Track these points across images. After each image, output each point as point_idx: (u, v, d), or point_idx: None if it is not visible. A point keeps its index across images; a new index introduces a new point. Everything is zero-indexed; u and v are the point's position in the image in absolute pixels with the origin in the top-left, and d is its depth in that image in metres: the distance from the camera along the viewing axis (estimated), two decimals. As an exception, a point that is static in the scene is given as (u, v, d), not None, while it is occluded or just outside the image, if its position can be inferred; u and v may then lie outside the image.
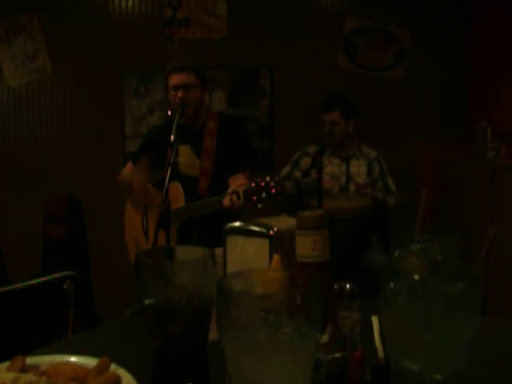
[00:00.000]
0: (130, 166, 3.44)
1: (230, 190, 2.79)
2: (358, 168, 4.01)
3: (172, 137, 2.79)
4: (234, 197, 2.71)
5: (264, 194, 2.54)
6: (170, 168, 2.64)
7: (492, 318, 2.57)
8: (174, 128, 2.81)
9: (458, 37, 4.94)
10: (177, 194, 3.04)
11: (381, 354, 1.08)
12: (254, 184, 2.58)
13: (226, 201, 2.78)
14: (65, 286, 1.85)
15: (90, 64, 5.04)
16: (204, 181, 3.16)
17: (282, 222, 1.15)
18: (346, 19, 4.98)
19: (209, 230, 2.32)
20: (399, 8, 4.94)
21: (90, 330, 1.52)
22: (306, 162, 4.01)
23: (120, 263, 4.01)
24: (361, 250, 3.79)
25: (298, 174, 4.05)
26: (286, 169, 4.09)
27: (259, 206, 2.59)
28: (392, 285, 0.81)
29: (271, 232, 1.12)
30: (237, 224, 1.19)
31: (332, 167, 3.97)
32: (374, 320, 1.22)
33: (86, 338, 1.44)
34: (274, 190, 2.55)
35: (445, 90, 4.95)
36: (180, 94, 3.05)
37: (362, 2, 5.01)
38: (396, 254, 1.07)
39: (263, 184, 2.55)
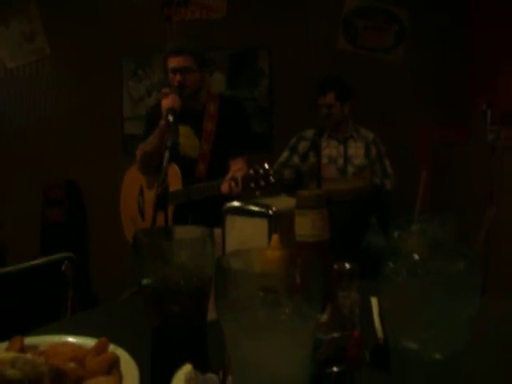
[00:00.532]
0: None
1: (228, 176, 2.78)
2: (356, 150, 4.00)
3: (170, 117, 2.78)
4: (233, 183, 2.70)
5: (262, 182, 2.53)
6: (167, 150, 2.63)
7: (491, 297, 2.58)
8: (171, 112, 2.80)
9: (457, 16, 4.90)
10: (174, 176, 3.03)
11: (380, 334, 1.08)
12: (252, 171, 2.56)
13: (225, 187, 2.78)
14: (63, 268, 1.85)
15: (88, 45, 5.01)
16: (202, 164, 3.15)
17: (281, 202, 1.14)
18: (346, 0, 4.94)
19: (204, 213, 2.31)
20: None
21: (88, 311, 1.52)
22: (303, 146, 4.00)
23: (118, 245, 4.00)
24: (359, 232, 3.79)
25: (296, 159, 4.03)
26: (285, 154, 4.08)
27: (257, 193, 2.58)
28: (391, 264, 0.81)
29: (270, 212, 1.12)
30: (235, 204, 1.19)
31: (330, 150, 3.97)
32: (373, 301, 1.23)
33: (85, 318, 1.44)
34: (272, 179, 2.54)
35: (444, 72, 4.91)
36: (178, 77, 3.04)
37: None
38: (395, 234, 1.07)
39: (262, 171, 2.54)
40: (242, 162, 3.01)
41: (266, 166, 2.55)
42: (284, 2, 4.92)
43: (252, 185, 2.55)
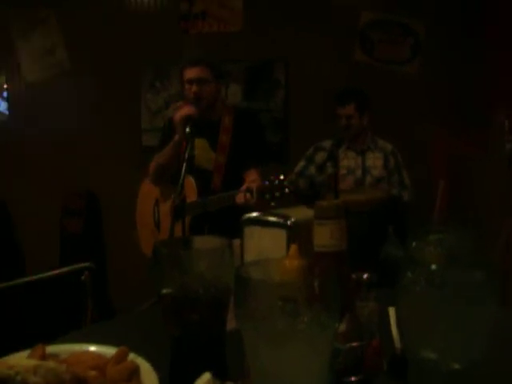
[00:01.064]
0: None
1: (243, 188, 2.78)
2: (374, 161, 3.99)
3: (187, 129, 2.80)
4: (248, 194, 2.70)
5: (277, 193, 2.54)
6: (185, 162, 2.65)
7: (511, 307, 2.56)
8: (188, 122, 2.82)
9: (474, 28, 4.89)
10: (190, 188, 3.04)
11: (398, 344, 1.08)
12: (267, 182, 2.57)
13: (240, 197, 2.78)
14: (83, 277, 1.87)
15: (107, 58, 5.07)
16: (217, 176, 3.16)
17: (299, 213, 1.15)
18: (362, 12, 4.96)
19: (220, 224, 2.32)
20: (415, 0, 4.90)
21: (107, 321, 1.53)
22: (321, 156, 4.00)
23: (135, 257, 4.03)
24: (377, 242, 3.78)
25: (312, 169, 4.03)
26: (301, 164, 4.08)
27: (272, 203, 2.58)
28: (409, 274, 0.81)
29: (289, 222, 1.12)
30: (254, 214, 1.19)
31: (348, 161, 3.96)
32: (391, 311, 1.23)
33: (104, 327, 1.45)
34: (287, 190, 2.54)
35: (460, 84, 4.90)
36: (194, 88, 3.06)
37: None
38: (413, 244, 1.07)
39: (277, 182, 2.55)
40: (255, 173, 3.02)
41: (282, 176, 2.55)
42: (300, 14, 4.94)
43: (267, 196, 2.55)
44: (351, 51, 4.99)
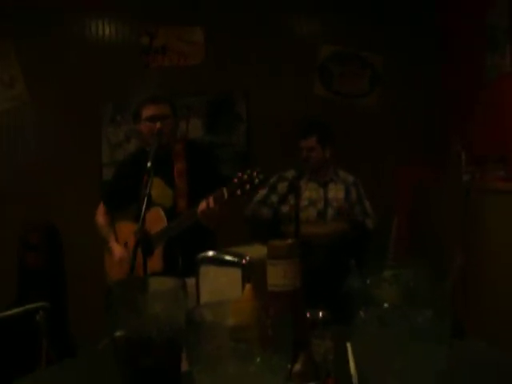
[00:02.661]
0: (102, 211, 3.43)
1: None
2: (336, 192, 4.01)
3: (149, 164, 2.78)
4: (210, 200, 2.70)
5: (247, 186, 2.57)
6: (146, 196, 2.63)
7: (470, 341, 2.59)
8: (150, 156, 2.81)
9: (430, 60, 5.03)
10: (158, 218, 3.02)
11: (355, 381, 1.08)
12: (236, 179, 2.60)
13: (202, 206, 2.74)
14: (37, 317, 1.83)
15: (67, 91, 5.04)
16: (182, 200, 3.13)
17: (255, 251, 1.15)
18: (322, 47, 5.05)
19: (193, 255, 2.31)
20: (372, 34, 5.02)
21: (63, 362, 1.50)
22: (283, 186, 4.00)
23: (98, 291, 3.96)
24: (339, 275, 3.78)
25: (274, 198, 4.04)
26: (262, 192, 4.07)
27: (244, 198, 2.63)
28: (362, 313, 0.82)
29: (243, 261, 1.12)
30: (209, 253, 1.19)
31: (310, 192, 3.97)
32: (349, 347, 1.23)
33: (59, 369, 1.42)
34: (256, 181, 2.57)
35: (419, 115, 5.02)
36: (159, 125, 3.05)
37: (336, 29, 5.08)
38: (368, 281, 1.08)
39: (246, 176, 2.58)
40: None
41: (249, 171, 2.59)
42: (261, 48, 5.01)
43: (238, 192, 2.57)
44: (311, 84, 5.06)
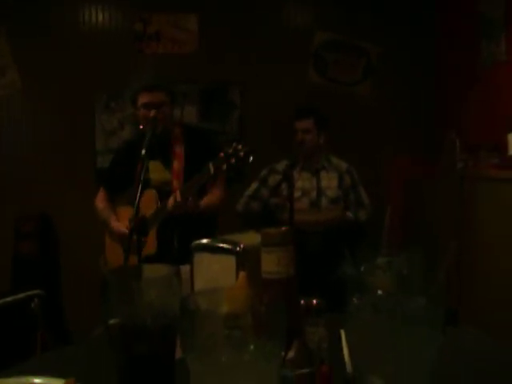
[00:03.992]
0: (102, 196, 3.43)
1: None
2: (329, 181, 3.99)
3: (143, 151, 2.79)
4: (177, 193, 2.81)
5: (233, 160, 2.59)
6: (140, 184, 2.63)
7: (464, 327, 2.60)
8: (144, 144, 2.82)
9: (424, 50, 5.03)
10: (152, 199, 3.04)
11: (349, 368, 1.09)
12: (222, 154, 2.64)
13: (170, 201, 2.84)
14: (32, 305, 1.83)
15: (60, 79, 5.01)
16: (177, 182, 3.14)
17: (249, 239, 1.15)
18: (316, 33, 5.04)
19: (188, 236, 2.33)
20: (367, 22, 5.02)
21: (57, 350, 1.50)
22: (274, 179, 3.97)
23: (92, 279, 3.97)
24: (333, 262, 3.79)
25: (265, 191, 4.02)
26: (253, 186, 4.06)
27: (231, 173, 2.68)
28: (356, 300, 0.82)
29: (238, 249, 1.13)
30: (203, 241, 1.19)
31: (302, 182, 3.95)
32: (343, 334, 1.23)
33: (54, 357, 1.42)
34: (242, 154, 2.59)
35: (413, 103, 5.02)
36: (153, 112, 3.05)
37: (331, 17, 5.07)
38: (362, 268, 1.08)
39: (231, 151, 2.60)
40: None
41: (234, 144, 2.62)
42: (254, 35, 5.00)
43: (224, 166, 2.60)
44: (305, 72, 5.05)
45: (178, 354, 0.87)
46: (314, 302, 1.06)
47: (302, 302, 1.05)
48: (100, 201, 3.44)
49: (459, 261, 3.53)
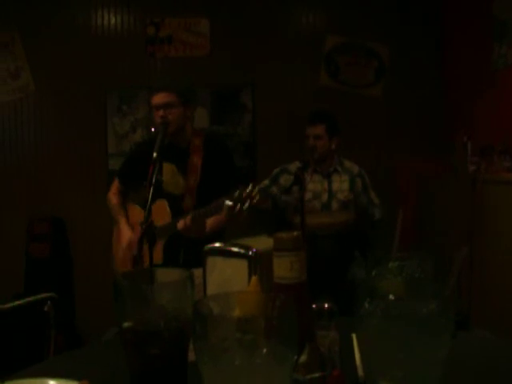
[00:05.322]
0: (115, 189, 3.45)
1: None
2: (340, 184, 3.99)
3: (154, 154, 2.79)
4: (188, 219, 2.83)
5: (247, 204, 2.59)
6: (152, 187, 2.63)
7: (475, 332, 2.59)
8: (156, 145, 2.82)
9: (435, 51, 5.02)
10: (163, 210, 3.04)
11: (361, 372, 1.09)
12: (237, 193, 2.63)
13: (180, 224, 2.87)
14: (45, 308, 1.85)
15: (73, 82, 5.05)
16: (190, 198, 3.16)
17: (261, 243, 1.16)
18: (327, 36, 5.04)
19: (194, 249, 2.33)
20: (378, 24, 5.02)
21: (71, 352, 1.52)
22: (285, 179, 3.99)
23: (104, 282, 3.99)
24: (344, 264, 3.79)
25: (275, 189, 4.03)
26: (265, 182, 4.07)
27: (243, 214, 2.65)
28: (367, 305, 0.83)
29: (250, 253, 1.13)
30: (216, 245, 1.20)
31: (314, 184, 3.96)
32: (355, 338, 1.23)
33: (67, 359, 1.43)
34: (255, 200, 2.60)
35: (424, 105, 5.01)
36: (161, 112, 3.07)
37: (342, 20, 5.08)
38: (374, 272, 1.08)
39: (245, 193, 2.59)
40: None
41: (250, 187, 2.61)
42: (266, 39, 5.01)
43: (237, 207, 2.60)
44: (317, 75, 5.05)
45: (191, 357, 0.87)
46: (326, 305, 1.07)
47: (314, 306, 1.06)
48: (113, 193, 3.45)
49: (471, 265, 3.51)
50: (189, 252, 2.95)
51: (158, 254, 3.01)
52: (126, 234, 3.24)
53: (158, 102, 3.10)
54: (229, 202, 2.65)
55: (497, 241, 3.37)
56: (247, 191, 2.60)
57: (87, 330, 4.81)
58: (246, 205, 2.59)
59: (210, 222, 3.01)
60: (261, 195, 2.65)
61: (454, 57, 4.88)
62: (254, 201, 2.60)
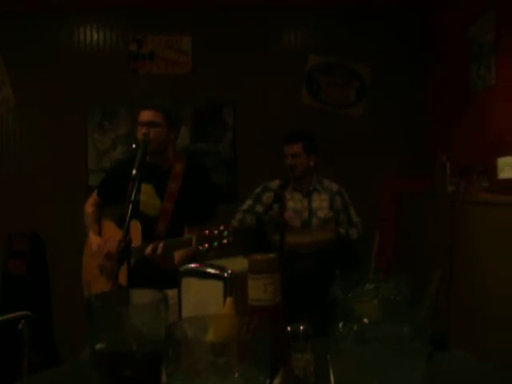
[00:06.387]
0: (92, 200, 3.42)
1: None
2: (320, 202, 4.01)
3: (134, 171, 2.77)
4: (149, 248, 2.82)
5: (216, 243, 2.57)
6: (131, 203, 2.61)
7: (454, 351, 2.60)
8: (136, 163, 2.79)
9: (417, 72, 5.08)
10: (135, 232, 3.00)
11: (336, 394, 1.09)
12: (207, 232, 2.61)
13: (148, 250, 2.84)
14: (20, 326, 1.82)
15: (54, 97, 5.03)
16: (163, 222, 3.14)
17: (237, 264, 1.16)
18: (309, 56, 5.08)
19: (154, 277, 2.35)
20: (360, 44, 5.07)
21: (46, 372, 1.49)
22: (268, 196, 3.99)
23: (82, 300, 3.94)
24: (325, 283, 3.78)
25: (259, 208, 4.03)
26: (248, 202, 4.07)
27: (210, 254, 2.62)
28: (341, 328, 0.82)
29: (225, 274, 1.13)
30: (192, 265, 1.19)
31: (294, 202, 3.97)
32: (330, 359, 1.23)
33: (42, 379, 1.42)
34: (225, 241, 2.58)
35: (405, 126, 5.06)
36: (144, 129, 3.05)
37: (324, 40, 5.12)
38: (350, 294, 1.09)
39: (216, 232, 2.58)
40: (197, 231, 3.03)
41: (222, 227, 2.58)
42: (248, 57, 5.04)
43: (206, 245, 2.58)
44: (298, 94, 5.09)
45: (164, 379, 0.87)
46: (301, 328, 1.06)
47: (289, 328, 1.05)
48: (90, 204, 3.43)
49: (450, 285, 3.53)
50: (155, 274, 2.93)
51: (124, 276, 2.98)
52: (94, 240, 3.22)
53: (143, 120, 3.08)
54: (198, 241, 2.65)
55: (475, 260, 3.40)
56: (218, 231, 2.59)
57: (66, 346, 4.75)
58: (215, 244, 2.59)
59: (179, 254, 2.99)
60: (233, 237, 2.63)
61: (436, 77, 4.95)
62: (225, 241, 2.59)
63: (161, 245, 2.83)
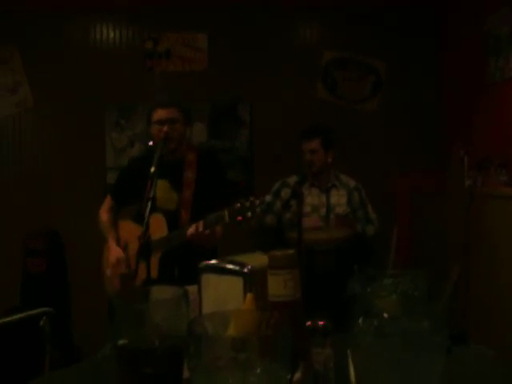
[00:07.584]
0: (107, 206, 3.44)
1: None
2: (338, 198, 4.00)
3: (152, 168, 2.79)
4: (200, 224, 2.79)
5: (249, 214, 2.58)
6: (149, 201, 2.63)
7: (472, 346, 2.59)
8: (154, 160, 2.81)
9: (432, 66, 5.05)
10: (160, 224, 3.03)
11: (356, 388, 1.09)
12: (239, 204, 2.62)
13: (190, 231, 2.83)
14: (41, 323, 1.84)
15: (71, 96, 5.06)
16: (185, 212, 3.15)
17: (256, 260, 1.16)
18: (324, 51, 5.07)
19: (189, 265, 2.33)
20: (375, 39, 5.05)
21: (67, 368, 1.51)
22: (286, 192, 3.99)
23: (101, 296, 3.97)
24: (343, 279, 3.77)
25: (279, 204, 4.03)
26: (268, 199, 4.07)
27: (244, 225, 2.63)
28: (361, 323, 0.83)
29: (245, 270, 1.13)
30: (211, 262, 1.20)
31: (312, 198, 3.97)
32: (350, 354, 1.23)
33: (64, 375, 1.43)
34: (258, 208, 2.59)
35: (421, 120, 5.03)
36: (166, 128, 3.07)
37: (340, 35, 5.10)
38: (369, 289, 1.09)
39: (248, 204, 2.59)
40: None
41: (252, 198, 2.60)
42: (264, 53, 5.04)
43: (239, 217, 2.59)
44: (314, 89, 5.08)
45: (185, 375, 0.87)
46: (321, 323, 1.07)
47: (309, 323, 1.06)
48: (104, 211, 3.44)
49: (467, 279, 3.51)
50: (183, 269, 2.94)
51: (153, 270, 3.00)
52: (113, 251, 3.24)
53: (162, 117, 3.10)
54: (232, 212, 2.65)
55: (493, 255, 3.38)
56: (250, 202, 2.60)
57: (85, 344, 4.78)
58: (249, 214, 2.59)
59: (219, 230, 2.99)
60: (263, 205, 2.64)
61: (451, 71, 4.91)
62: (258, 209, 2.60)
63: (201, 223, 2.82)
